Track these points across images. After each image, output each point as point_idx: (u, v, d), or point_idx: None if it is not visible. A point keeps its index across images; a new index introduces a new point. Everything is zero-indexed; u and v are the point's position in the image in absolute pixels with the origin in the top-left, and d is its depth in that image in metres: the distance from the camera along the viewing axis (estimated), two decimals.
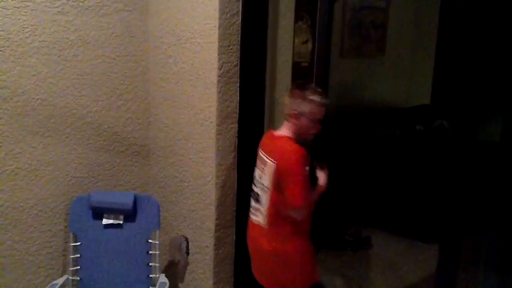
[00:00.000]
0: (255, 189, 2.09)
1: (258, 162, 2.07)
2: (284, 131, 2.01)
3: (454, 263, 2.36)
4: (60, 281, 2.36)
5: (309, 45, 3.51)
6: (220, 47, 2.33)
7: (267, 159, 1.99)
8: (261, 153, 2.05)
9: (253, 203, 2.12)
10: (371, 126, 3.85)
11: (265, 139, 2.10)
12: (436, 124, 3.97)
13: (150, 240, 2.48)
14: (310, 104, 1.94)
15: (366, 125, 3.82)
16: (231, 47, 2.38)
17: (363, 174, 3.55)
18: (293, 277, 2.05)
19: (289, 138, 1.98)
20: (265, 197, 2.02)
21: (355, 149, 3.51)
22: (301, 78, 3.03)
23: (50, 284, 2.32)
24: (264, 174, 2.01)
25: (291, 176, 1.90)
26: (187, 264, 2.67)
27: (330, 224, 3.33)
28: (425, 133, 3.96)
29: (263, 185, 2.02)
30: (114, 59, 2.58)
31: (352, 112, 3.83)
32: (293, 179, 1.89)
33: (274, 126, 2.74)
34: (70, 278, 2.42)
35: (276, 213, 2.00)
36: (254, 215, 2.11)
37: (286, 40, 2.75)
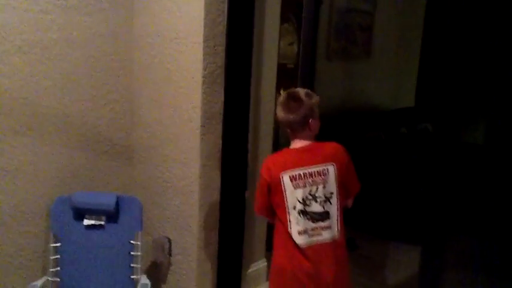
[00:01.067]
0: (316, 208, 1.92)
1: (296, 182, 1.92)
2: (307, 138, 1.97)
3: (438, 264, 2.38)
4: (40, 282, 2.32)
5: (295, 47, 3.52)
6: (205, 47, 2.33)
7: (322, 167, 1.92)
8: (308, 170, 1.92)
9: (313, 224, 1.92)
10: (357, 129, 3.87)
11: (286, 159, 1.96)
12: (420, 127, 4.00)
13: (132, 242, 2.46)
14: (315, 106, 1.95)
15: (351, 128, 3.84)
16: (215, 48, 2.37)
17: None
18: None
19: (318, 141, 2.00)
20: (334, 207, 1.93)
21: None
22: (286, 80, 3.04)
23: (29, 285, 2.29)
24: (327, 183, 1.91)
25: (349, 165, 1.98)
26: (170, 265, 2.65)
27: None
28: (410, 136, 3.99)
29: (331, 193, 1.93)
30: (98, 58, 2.56)
31: (338, 115, 3.85)
32: (351, 167, 1.99)
33: (258, 128, 2.75)
34: (50, 279, 2.39)
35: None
36: (319, 235, 1.93)
37: (271, 42, 2.75)
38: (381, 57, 4.31)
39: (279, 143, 3.10)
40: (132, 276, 2.44)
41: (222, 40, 2.39)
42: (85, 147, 2.59)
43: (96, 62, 2.55)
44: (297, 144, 1.96)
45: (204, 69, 2.35)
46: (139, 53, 2.66)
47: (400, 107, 4.40)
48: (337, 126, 3.65)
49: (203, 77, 2.35)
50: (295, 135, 1.96)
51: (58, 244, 2.41)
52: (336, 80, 3.99)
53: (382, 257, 3.54)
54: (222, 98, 2.44)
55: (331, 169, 1.91)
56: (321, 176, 1.90)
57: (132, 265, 2.44)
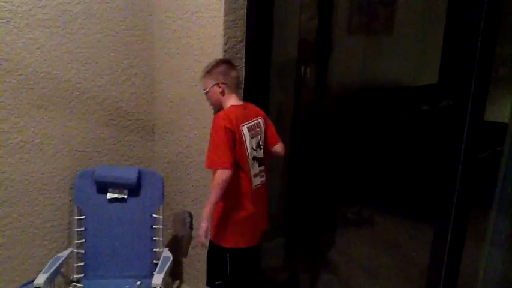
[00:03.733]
0: (259, 154, 2.17)
1: (251, 132, 2.12)
2: (239, 97, 2.23)
3: (459, 242, 2.34)
4: (65, 253, 2.38)
5: (316, 21, 3.46)
6: (226, 21, 2.30)
7: (257, 121, 2.16)
8: (249, 123, 2.12)
9: (258, 168, 2.17)
10: (377, 106, 3.82)
11: (239, 114, 2.10)
12: (443, 104, 3.93)
13: (154, 215, 2.49)
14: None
15: (372, 104, 3.79)
16: (236, 22, 2.34)
17: (368, 154, 3.54)
18: None
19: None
20: (264, 154, 2.20)
21: (360, 128, 3.49)
22: (306, 55, 3.01)
23: (55, 256, 2.34)
24: (261, 134, 2.17)
25: (268, 120, 2.26)
26: (190, 239, 2.69)
27: (333, 202, 3.33)
28: (432, 113, 3.92)
29: (263, 142, 2.19)
30: (119, 32, 2.56)
31: (358, 90, 3.80)
32: (271, 122, 2.27)
33: (278, 103, 2.73)
34: (75, 251, 2.45)
35: None
36: (261, 177, 2.19)
37: (292, 16, 2.71)
38: (404, 32, 4.21)
39: (298, 116, 3.08)
40: (154, 249, 2.48)
41: (242, 14, 2.36)
42: (107, 121, 2.61)
43: (117, 36, 2.55)
44: (237, 101, 2.15)
45: (225, 43, 2.32)
46: (159, 27, 2.65)
47: (422, 84, 4.31)
48: (357, 101, 3.61)
49: (224, 51, 2.33)
50: (233, 92, 2.16)
51: (82, 217, 2.46)
52: (357, 56, 3.93)
53: (400, 234, 3.52)
54: (243, 73, 2.43)
55: (262, 122, 2.18)
56: (259, 127, 2.16)
57: (154, 238, 2.48)
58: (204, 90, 2.17)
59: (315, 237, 3.32)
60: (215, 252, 2.15)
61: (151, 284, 2.16)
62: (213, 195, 1.98)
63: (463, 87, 1.81)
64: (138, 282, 2.40)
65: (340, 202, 3.47)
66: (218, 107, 2.16)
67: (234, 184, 2.04)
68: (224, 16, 2.29)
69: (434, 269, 2.03)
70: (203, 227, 1.99)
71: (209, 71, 2.15)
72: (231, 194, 2.05)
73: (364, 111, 3.61)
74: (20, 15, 2.22)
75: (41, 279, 2.10)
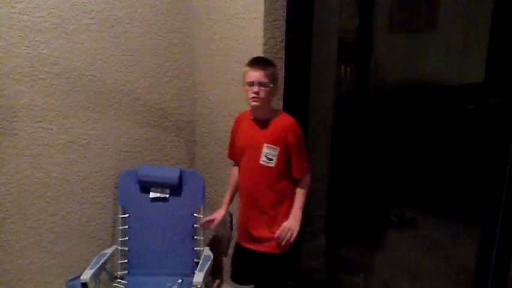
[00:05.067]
0: None
1: None
2: None
3: (507, 244, 2.25)
4: (110, 250, 2.45)
5: (356, 20, 3.42)
6: (265, 22, 2.31)
7: None
8: None
9: None
10: (421, 105, 3.73)
11: None
12: (489, 103, 3.79)
13: (195, 214, 2.53)
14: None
15: (415, 104, 3.70)
16: (276, 23, 2.34)
17: (411, 154, 3.46)
18: None
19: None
20: None
21: (403, 128, 3.42)
22: (347, 55, 2.97)
23: (100, 253, 2.42)
24: None
25: None
26: (231, 238, 2.70)
27: (376, 204, 3.28)
28: (478, 112, 3.80)
29: None
30: (161, 35, 2.61)
31: (400, 89, 3.72)
32: None
33: (318, 102, 2.70)
34: (119, 248, 2.51)
35: None
36: None
37: (332, 15, 2.68)
38: (447, 29, 4.09)
39: (339, 116, 3.05)
40: (195, 248, 2.52)
41: (282, 14, 2.36)
42: (149, 122, 2.67)
43: (159, 39, 2.61)
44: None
45: (265, 44, 2.33)
46: (199, 29, 2.68)
47: (468, 82, 4.17)
48: (400, 101, 3.54)
49: (263, 52, 2.33)
50: None
51: (126, 215, 2.52)
52: (398, 54, 3.84)
53: (444, 236, 3.42)
54: (283, 74, 2.42)
55: None
56: None
57: (195, 237, 2.52)
58: (271, 82, 2.02)
59: (357, 238, 3.28)
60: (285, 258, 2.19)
61: (192, 282, 2.20)
62: (305, 199, 2.10)
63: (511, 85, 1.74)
64: (180, 280, 2.44)
65: (382, 203, 3.41)
66: (263, 106, 2.04)
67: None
68: (264, 17, 2.30)
69: (481, 272, 1.97)
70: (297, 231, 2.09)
71: (275, 66, 2.10)
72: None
73: (407, 111, 3.53)
74: (67, 20, 2.30)
75: (87, 275, 2.17)
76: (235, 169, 2.28)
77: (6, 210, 2.31)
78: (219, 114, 2.65)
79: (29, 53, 2.22)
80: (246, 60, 2.40)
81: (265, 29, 2.31)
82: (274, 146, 2.03)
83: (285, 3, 2.35)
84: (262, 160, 2.05)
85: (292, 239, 2.07)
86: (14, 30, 2.17)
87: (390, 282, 2.91)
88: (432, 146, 3.53)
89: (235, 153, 2.23)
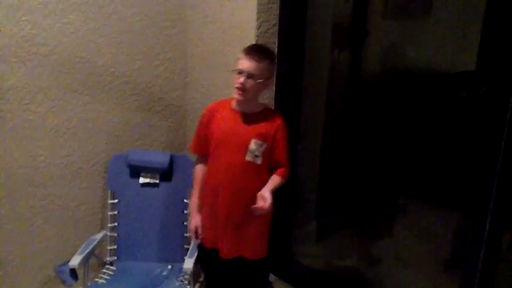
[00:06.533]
0: None
1: None
2: None
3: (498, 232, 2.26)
4: (99, 236, 2.42)
5: (350, 4, 3.38)
6: (259, 5, 2.27)
7: None
8: None
9: None
10: (412, 92, 3.72)
11: None
12: (481, 90, 3.80)
13: (185, 200, 2.50)
14: None
15: (407, 90, 3.69)
16: (270, 6, 2.30)
17: (402, 141, 3.46)
18: None
19: None
20: None
21: (394, 114, 3.41)
22: (341, 40, 2.94)
23: (89, 238, 2.39)
24: None
25: None
26: None
27: (367, 191, 3.28)
28: (470, 100, 3.80)
29: None
30: (152, 17, 2.55)
31: (392, 76, 3.71)
32: None
33: (311, 88, 2.68)
34: (108, 233, 2.49)
35: None
36: None
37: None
38: (442, 16, 4.07)
39: (332, 102, 3.03)
40: (185, 234, 2.50)
41: None
42: (140, 106, 2.62)
43: (150, 21, 2.55)
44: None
45: (258, 28, 2.29)
46: (192, 12, 2.63)
47: (460, 70, 4.17)
48: (393, 88, 3.52)
49: (256, 36, 2.30)
50: None
51: (115, 200, 2.49)
52: (392, 39, 3.82)
53: (434, 224, 3.45)
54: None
55: None
56: None
57: (185, 223, 2.50)
58: (262, 77, 1.88)
59: (348, 224, 3.29)
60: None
61: (182, 268, 2.18)
62: (278, 186, 1.99)
63: (504, 73, 1.73)
64: (169, 266, 2.43)
65: (374, 190, 3.42)
66: (246, 101, 1.94)
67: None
68: (257, 0, 2.25)
69: (471, 257, 1.99)
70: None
71: (275, 60, 2.00)
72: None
73: (400, 97, 3.52)
74: None
75: (76, 260, 2.14)
76: (201, 167, 2.11)
77: None
78: (211, 99, 2.60)
79: (16, 33, 2.16)
80: (239, 44, 2.36)
81: (259, 12, 2.27)
82: (262, 142, 1.93)
83: None
84: (249, 157, 1.93)
85: (266, 205, 1.86)
86: (0, 9, 2.10)
87: (382, 268, 2.93)
88: (424, 133, 3.53)
89: (205, 146, 2.05)
